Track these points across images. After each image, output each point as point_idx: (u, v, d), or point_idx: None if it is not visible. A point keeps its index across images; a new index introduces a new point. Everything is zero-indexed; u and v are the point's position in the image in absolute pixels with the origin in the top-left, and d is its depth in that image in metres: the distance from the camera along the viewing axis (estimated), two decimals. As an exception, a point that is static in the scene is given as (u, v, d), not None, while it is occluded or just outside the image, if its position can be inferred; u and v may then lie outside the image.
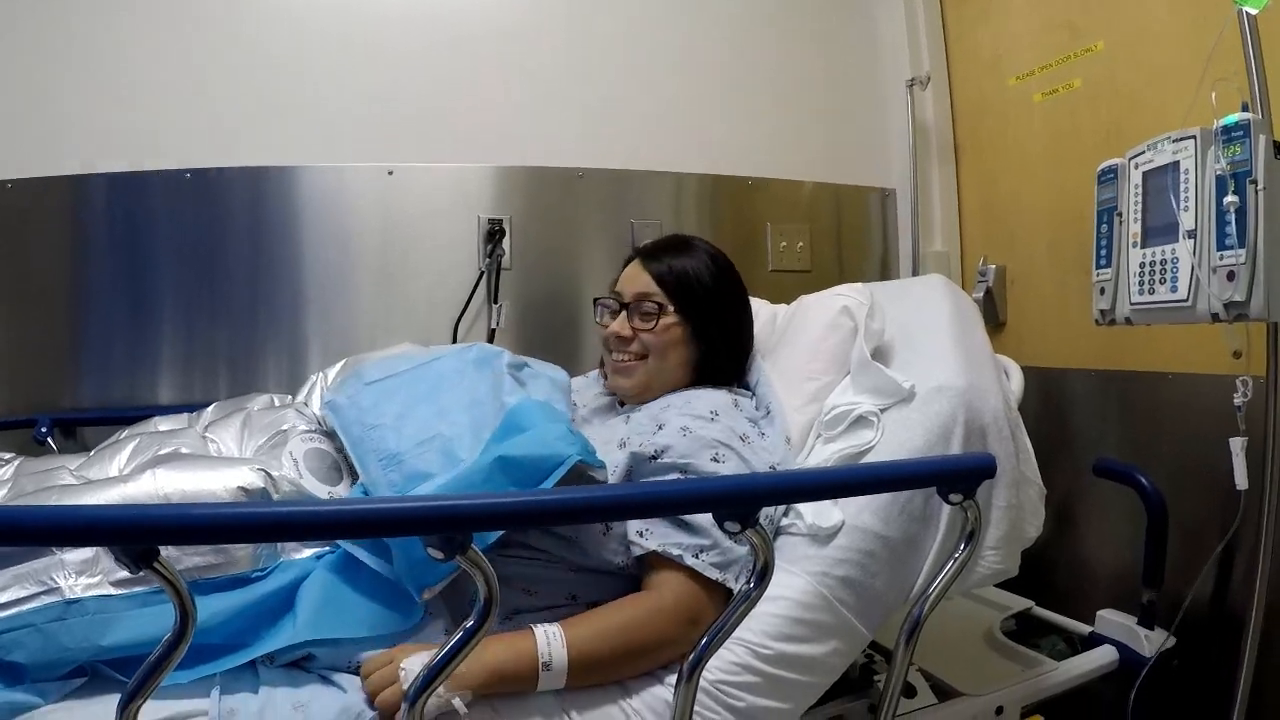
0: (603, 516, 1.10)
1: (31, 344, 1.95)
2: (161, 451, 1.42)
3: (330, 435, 1.47)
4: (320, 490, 1.37)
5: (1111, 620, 1.73)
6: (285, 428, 1.52)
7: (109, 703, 0.84)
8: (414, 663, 1.00)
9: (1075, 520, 2.09)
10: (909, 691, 1.43)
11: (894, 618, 1.25)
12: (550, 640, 1.09)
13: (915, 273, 2.46)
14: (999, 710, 1.50)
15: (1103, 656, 1.67)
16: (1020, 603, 1.94)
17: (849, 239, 2.53)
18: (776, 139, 2.46)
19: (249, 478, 1.27)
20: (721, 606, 1.14)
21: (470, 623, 0.85)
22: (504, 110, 2.22)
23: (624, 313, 1.49)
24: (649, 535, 1.19)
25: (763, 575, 0.96)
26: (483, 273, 2.15)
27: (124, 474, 1.33)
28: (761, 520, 0.96)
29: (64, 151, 1.94)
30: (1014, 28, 2.30)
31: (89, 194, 1.96)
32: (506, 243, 2.17)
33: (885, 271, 2.54)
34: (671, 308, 1.47)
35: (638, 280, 1.50)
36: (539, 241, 2.22)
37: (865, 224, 2.54)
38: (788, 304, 1.77)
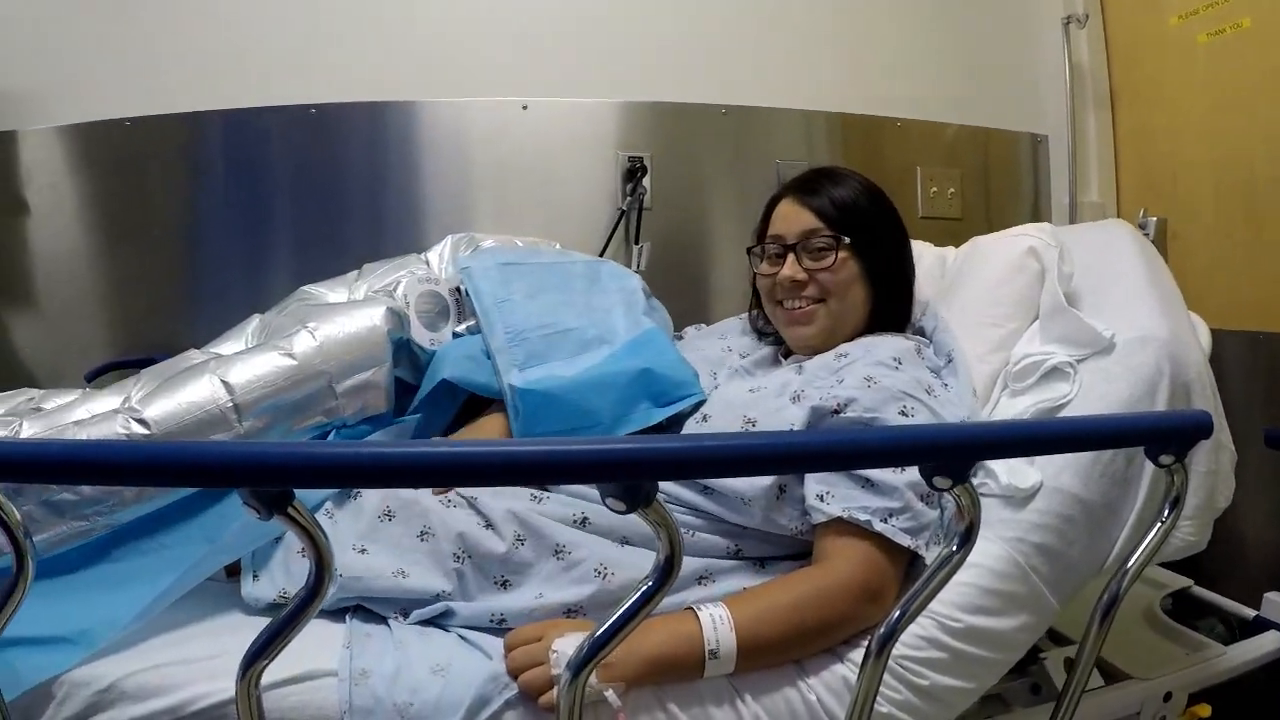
0: (805, 467, 0.99)
1: (150, 283, 1.94)
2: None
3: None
4: (423, 335, 1.48)
5: (1281, 605, 1.58)
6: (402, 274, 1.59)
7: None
8: (566, 644, 0.92)
9: (1234, 494, 1.94)
10: (1078, 672, 1.33)
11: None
12: (717, 625, 0.99)
13: (1071, 223, 2.29)
14: (1167, 696, 1.39)
15: (1271, 643, 1.54)
16: (1178, 580, 1.80)
17: (998, 186, 2.37)
18: (922, 79, 2.30)
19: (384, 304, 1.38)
20: (902, 580, 1.06)
21: (649, 584, 0.74)
22: (643, 43, 2.12)
23: (790, 255, 1.36)
24: (830, 499, 1.09)
25: (967, 537, 0.84)
26: (623, 212, 2.06)
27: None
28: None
29: (181, 89, 1.91)
30: (1176, -37, 2.12)
31: (207, 131, 1.93)
32: (647, 181, 2.07)
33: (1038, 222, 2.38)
34: (847, 240, 1.34)
35: (799, 218, 1.37)
36: (680, 181, 2.11)
37: (1015, 171, 2.38)
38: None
